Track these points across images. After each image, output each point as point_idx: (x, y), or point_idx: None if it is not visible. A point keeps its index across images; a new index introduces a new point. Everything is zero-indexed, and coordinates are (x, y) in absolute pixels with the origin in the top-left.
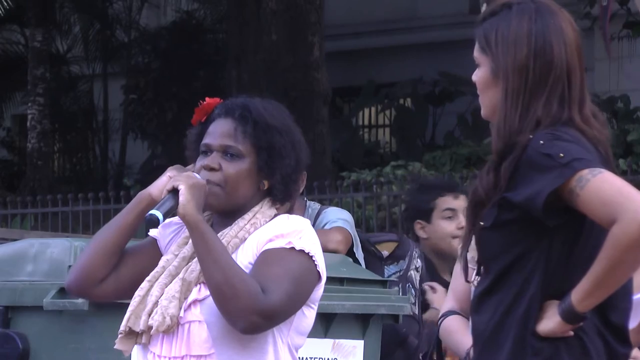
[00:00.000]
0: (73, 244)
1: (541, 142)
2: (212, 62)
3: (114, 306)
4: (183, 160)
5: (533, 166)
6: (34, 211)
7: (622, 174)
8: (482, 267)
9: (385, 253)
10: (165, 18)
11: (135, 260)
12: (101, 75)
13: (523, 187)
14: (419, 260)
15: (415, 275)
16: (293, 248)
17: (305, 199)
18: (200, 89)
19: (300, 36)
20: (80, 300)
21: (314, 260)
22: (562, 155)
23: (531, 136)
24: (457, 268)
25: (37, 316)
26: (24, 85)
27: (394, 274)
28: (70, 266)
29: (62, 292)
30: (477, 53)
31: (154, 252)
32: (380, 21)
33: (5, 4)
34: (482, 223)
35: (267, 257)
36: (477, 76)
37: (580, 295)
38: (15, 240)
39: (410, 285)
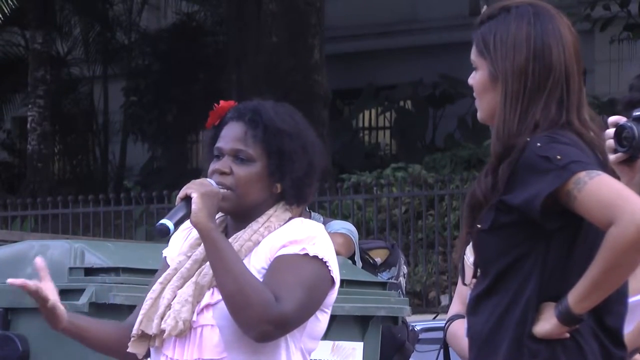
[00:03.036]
0: (73, 245)
1: (539, 144)
2: (212, 64)
3: (114, 308)
4: (183, 162)
5: (531, 169)
6: (34, 213)
7: None
8: (479, 270)
9: (379, 260)
10: (166, 20)
11: None
12: (101, 78)
13: (521, 190)
14: (405, 267)
15: (403, 282)
16: (307, 254)
17: (309, 210)
18: (200, 92)
19: (300, 38)
20: (80, 302)
21: (327, 266)
22: (559, 157)
23: (529, 139)
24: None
25: (37, 318)
26: (24, 87)
27: (387, 280)
28: (70, 268)
29: (62, 293)
30: (474, 56)
31: None
32: (380, 23)
33: (6, 7)
34: (479, 226)
35: (280, 264)
36: (475, 79)
37: (577, 297)
38: (15, 242)
39: (400, 292)
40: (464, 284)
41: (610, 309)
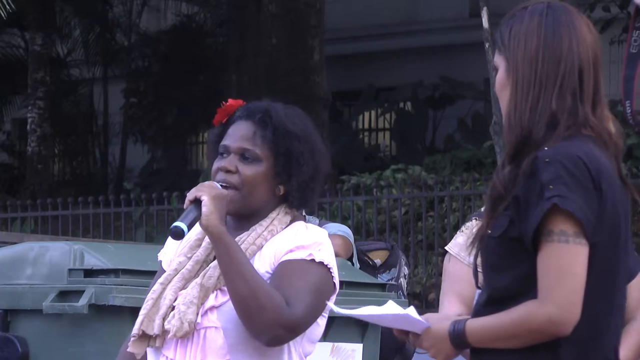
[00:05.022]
0: (72, 247)
1: (547, 160)
2: (212, 65)
3: (113, 310)
4: (182, 163)
5: (533, 183)
6: (34, 215)
7: None
8: (483, 275)
9: (378, 262)
10: (166, 22)
11: None
12: (101, 79)
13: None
14: (406, 268)
15: (403, 283)
16: (313, 260)
17: (303, 213)
18: (200, 93)
19: (300, 40)
20: (79, 304)
21: (331, 272)
22: (551, 187)
23: (546, 148)
24: (457, 269)
25: (36, 319)
26: (24, 88)
27: (387, 282)
28: (70, 270)
29: (62, 295)
30: (496, 56)
31: None
32: (380, 25)
33: (8, 8)
34: (489, 231)
35: (288, 269)
36: (496, 79)
37: (475, 331)
38: (15, 243)
39: (401, 292)
40: (478, 287)
41: (609, 323)
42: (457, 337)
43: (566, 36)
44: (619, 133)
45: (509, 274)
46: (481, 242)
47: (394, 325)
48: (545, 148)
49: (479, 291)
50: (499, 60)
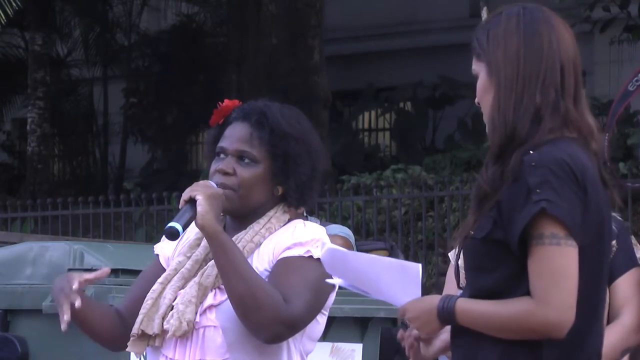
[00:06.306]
0: (72, 247)
1: (533, 163)
2: (212, 65)
3: None
4: (182, 163)
5: (519, 187)
6: (33, 214)
7: (622, 177)
8: (465, 276)
9: None
10: (166, 22)
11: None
12: (101, 79)
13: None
14: None
15: None
16: (311, 257)
17: (304, 214)
18: (200, 93)
19: (300, 40)
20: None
21: None
22: (538, 191)
23: (531, 151)
24: (451, 273)
25: (36, 319)
26: (24, 88)
27: None
28: (69, 269)
29: None
30: (474, 64)
31: (162, 270)
32: (380, 25)
33: (9, 9)
34: (472, 232)
35: (286, 266)
36: (477, 85)
37: (466, 313)
38: (14, 243)
39: None
40: (459, 288)
41: (593, 325)
42: (446, 313)
43: (546, 34)
44: (599, 131)
45: (492, 274)
46: (464, 242)
47: (383, 286)
48: (531, 152)
49: (460, 292)
50: (478, 67)
